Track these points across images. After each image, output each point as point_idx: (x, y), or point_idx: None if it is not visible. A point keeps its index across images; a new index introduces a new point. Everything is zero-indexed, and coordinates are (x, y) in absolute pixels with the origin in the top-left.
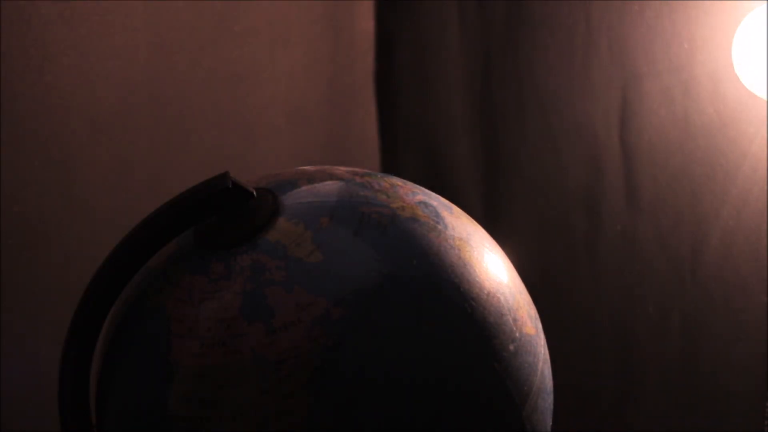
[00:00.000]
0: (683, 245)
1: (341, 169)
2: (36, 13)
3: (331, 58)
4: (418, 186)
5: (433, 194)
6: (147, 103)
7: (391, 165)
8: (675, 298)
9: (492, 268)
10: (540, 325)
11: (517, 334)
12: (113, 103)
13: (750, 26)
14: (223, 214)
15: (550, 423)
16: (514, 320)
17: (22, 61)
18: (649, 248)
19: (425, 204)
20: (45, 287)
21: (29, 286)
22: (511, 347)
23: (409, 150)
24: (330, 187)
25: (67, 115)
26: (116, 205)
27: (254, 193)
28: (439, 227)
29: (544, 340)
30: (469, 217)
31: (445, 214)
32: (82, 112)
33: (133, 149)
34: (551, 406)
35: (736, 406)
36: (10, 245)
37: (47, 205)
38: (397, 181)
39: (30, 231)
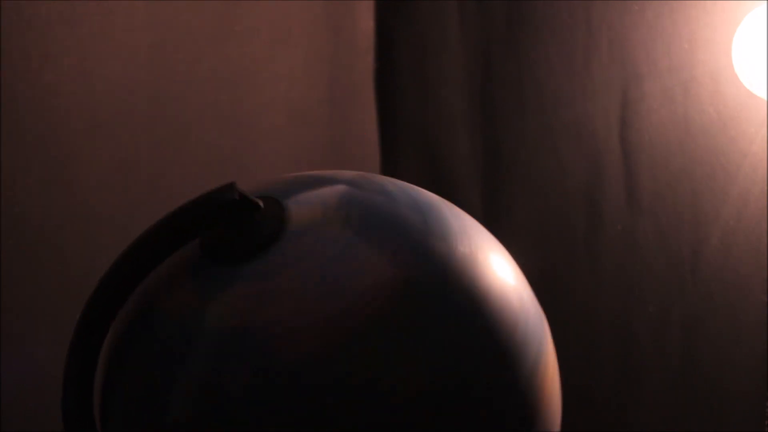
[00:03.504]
0: (683, 245)
1: (347, 173)
2: (36, 13)
3: (331, 58)
4: (422, 189)
5: (437, 197)
6: (147, 103)
7: (391, 165)
8: (675, 298)
9: (498, 268)
10: (547, 325)
11: (528, 335)
12: (113, 103)
13: (750, 26)
14: (229, 226)
15: (560, 413)
16: (526, 322)
17: (22, 61)
18: (649, 248)
19: (431, 207)
20: (45, 287)
21: (29, 286)
22: (523, 348)
23: (409, 150)
24: (336, 191)
25: (67, 115)
26: (116, 205)
27: (261, 204)
28: (447, 231)
29: (550, 337)
30: (471, 218)
31: (449, 216)
32: (82, 112)
33: (133, 149)
34: (559, 410)
35: (736, 406)
36: (10, 245)
37: (47, 205)
38: (402, 183)
39: (30, 231)
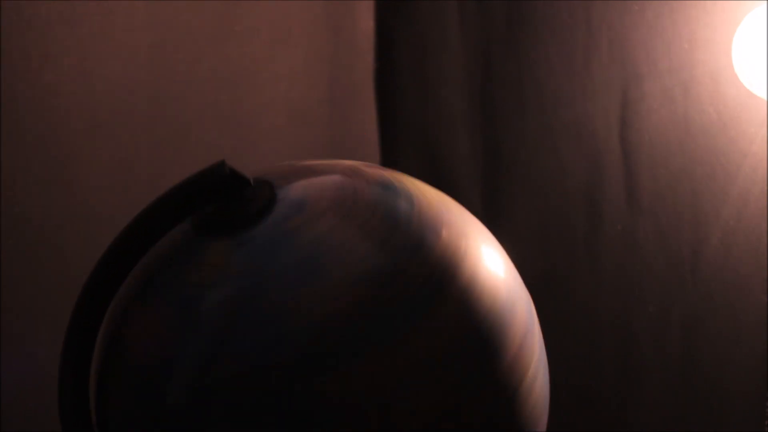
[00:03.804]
0: (683, 245)
1: (343, 163)
2: (36, 13)
3: (331, 58)
4: (417, 180)
5: (432, 188)
6: (147, 103)
7: (391, 165)
8: (675, 298)
9: (488, 261)
10: (537, 322)
11: (518, 329)
12: (113, 103)
13: (750, 26)
14: (220, 203)
15: (546, 411)
16: (512, 316)
17: (22, 61)
18: (649, 248)
19: (423, 196)
20: (45, 287)
21: (29, 286)
22: (512, 345)
23: (409, 150)
24: (330, 179)
25: (67, 115)
26: (116, 205)
27: (251, 181)
28: (437, 219)
29: (540, 336)
30: (466, 210)
31: (440, 206)
32: (82, 112)
33: (133, 149)
34: (547, 402)
35: (736, 406)
36: (10, 245)
37: (47, 205)
38: (398, 175)
39: (30, 231)
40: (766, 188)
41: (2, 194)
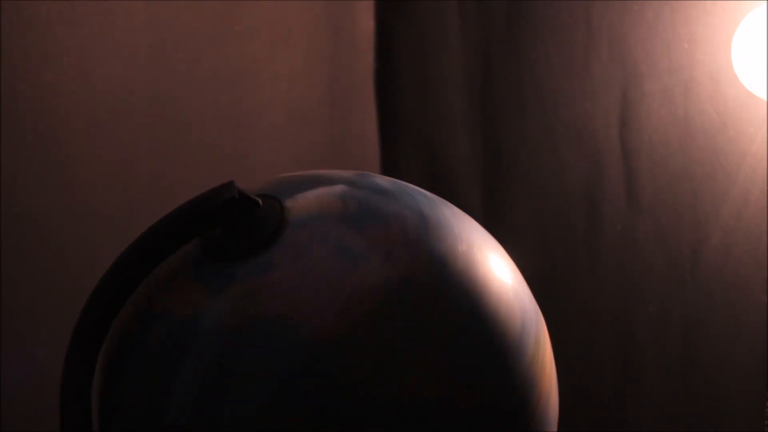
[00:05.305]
0: (683, 245)
1: (346, 173)
2: (36, 13)
3: (331, 58)
4: (420, 189)
5: (436, 197)
6: (147, 103)
7: (391, 165)
8: (675, 298)
9: (495, 267)
10: (543, 322)
11: (528, 338)
12: (113, 103)
13: (750, 26)
14: (228, 225)
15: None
16: (522, 324)
17: (22, 61)
18: (649, 248)
19: (429, 206)
20: (45, 287)
21: (29, 286)
22: (519, 346)
23: (409, 150)
24: (334, 190)
25: (67, 115)
26: (116, 205)
27: (260, 202)
28: (445, 229)
29: (547, 334)
30: (469, 216)
31: (448, 215)
32: (82, 112)
33: (133, 149)
34: (557, 409)
35: (736, 406)
36: (10, 245)
37: (47, 205)
38: (400, 183)
39: (30, 231)
40: (766, 188)
41: (2, 194)
